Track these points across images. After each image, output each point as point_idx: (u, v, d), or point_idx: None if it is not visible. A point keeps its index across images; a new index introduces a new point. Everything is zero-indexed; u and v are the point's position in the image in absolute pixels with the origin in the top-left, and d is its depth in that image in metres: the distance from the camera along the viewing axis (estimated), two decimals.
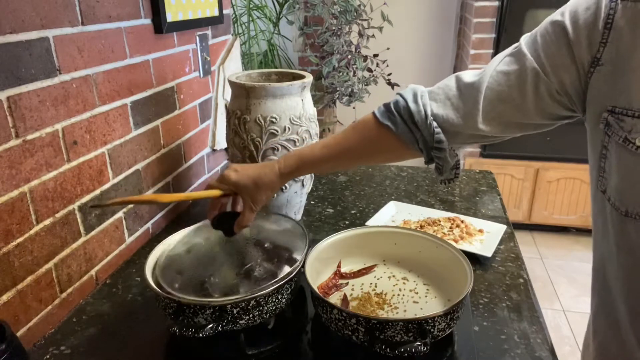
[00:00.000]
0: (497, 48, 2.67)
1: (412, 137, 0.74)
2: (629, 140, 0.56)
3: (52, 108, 0.84)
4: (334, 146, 0.80)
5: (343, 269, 0.95)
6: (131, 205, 1.09)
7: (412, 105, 0.73)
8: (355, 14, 2.31)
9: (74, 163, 0.90)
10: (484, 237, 1.12)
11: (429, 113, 0.72)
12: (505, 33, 2.62)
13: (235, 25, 2.65)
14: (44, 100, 0.82)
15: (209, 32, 1.38)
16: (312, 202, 1.34)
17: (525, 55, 0.65)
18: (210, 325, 0.71)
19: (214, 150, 1.48)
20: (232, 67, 1.53)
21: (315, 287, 0.79)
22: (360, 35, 2.37)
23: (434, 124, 0.72)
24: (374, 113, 0.78)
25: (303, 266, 0.83)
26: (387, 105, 0.77)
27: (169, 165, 1.24)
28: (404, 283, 0.92)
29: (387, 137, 0.76)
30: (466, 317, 0.84)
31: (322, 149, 0.80)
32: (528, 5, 2.56)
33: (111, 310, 0.92)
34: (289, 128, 1.04)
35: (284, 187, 1.09)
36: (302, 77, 1.10)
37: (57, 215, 0.87)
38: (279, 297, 0.78)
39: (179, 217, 1.28)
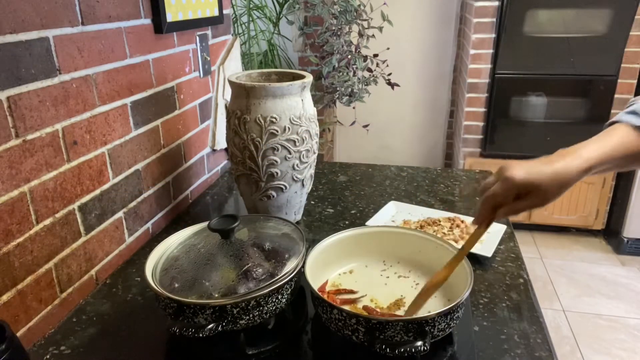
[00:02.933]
0: (497, 48, 2.67)
1: None
2: None
3: (52, 108, 0.84)
4: (615, 149, 0.73)
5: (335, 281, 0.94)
6: (131, 205, 1.09)
7: None
8: (355, 14, 2.31)
9: (74, 163, 0.90)
10: (484, 237, 1.12)
11: None
12: (505, 33, 2.62)
13: (235, 25, 2.65)
14: (44, 100, 0.82)
15: (209, 32, 1.38)
16: (312, 202, 1.34)
17: None
18: (210, 325, 0.71)
19: (214, 150, 1.49)
20: (232, 67, 1.53)
21: (315, 287, 0.79)
22: (360, 35, 2.37)
23: None
24: (619, 122, 0.75)
25: (303, 266, 0.83)
26: (632, 112, 0.75)
27: (169, 165, 1.24)
28: (404, 283, 0.92)
29: (636, 140, 0.73)
30: (466, 317, 0.84)
31: (604, 149, 0.73)
32: (528, 5, 2.56)
33: (111, 310, 0.92)
34: (289, 128, 1.04)
35: (284, 187, 1.09)
36: (302, 77, 1.10)
37: (57, 215, 0.87)
38: (279, 297, 0.78)
39: (179, 217, 1.28)
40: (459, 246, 1.00)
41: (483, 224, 0.76)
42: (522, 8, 2.57)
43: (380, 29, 2.32)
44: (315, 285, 0.80)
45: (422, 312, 0.83)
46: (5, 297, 0.78)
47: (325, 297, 0.80)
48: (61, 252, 0.89)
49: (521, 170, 0.70)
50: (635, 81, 2.64)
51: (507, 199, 0.72)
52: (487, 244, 1.08)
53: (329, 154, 3.28)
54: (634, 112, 0.74)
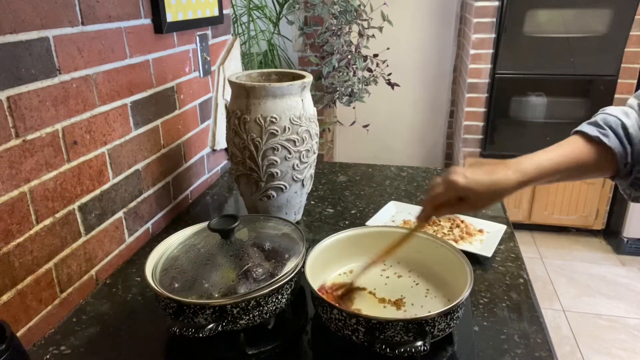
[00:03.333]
0: (497, 48, 2.67)
1: (623, 151, 0.74)
2: None
3: (52, 108, 0.84)
4: (563, 161, 0.75)
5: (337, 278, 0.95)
6: (131, 205, 1.09)
7: (625, 120, 0.74)
8: (355, 14, 2.31)
9: (74, 163, 0.90)
10: (484, 237, 1.12)
11: None
12: (505, 33, 2.62)
13: (235, 25, 2.65)
14: (44, 100, 0.82)
15: (209, 32, 1.38)
16: (312, 202, 1.34)
17: None
18: (210, 325, 0.71)
19: (214, 150, 1.49)
20: (232, 67, 1.53)
21: (315, 287, 0.79)
22: (360, 35, 2.37)
23: None
24: (579, 131, 0.77)
25: (303, 266, 0.83)
26: (593, 123, 0.77)
27: (169, 165, 1.24)
28: (404, 283, 0.92)
29: (593, 152, 0.75)
30: (466, 317, 0.84)
31: (551, 160, 0.75)
32: (528, 5, 2.56)
33: (111, 310, 0.92)
34: (289, 128, 1.04)
35: (284, 187, 1.09)
36: (302, 77, 1.10)
37: (57, 215, 0.87)
38: (279, 297, 0.79)
39: (179, 217, 1.28)
40: (459, 246, 1.01)
41: (424, 220, 0.83)
42: (522, 8, 2.57)
43: (380, 29, 2.32)
44: (316, 285, 0.80)
45: (422, 312, 0.83)
46: (5, 297, 0.78)
47: (324, 296, 0.81)
48: (61, 252, 0.89)
49: (463, 177, 0.75)
50: (635, 81, 2.64)
51: (448, 200, 0.78)
52: (487, 244, 1.08)
53: (329, 154, 3.28)
54: (594, 123, 0.76)
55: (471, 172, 0.75)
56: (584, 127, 0.77)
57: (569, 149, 0.76)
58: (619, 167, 0.75)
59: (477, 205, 0.77)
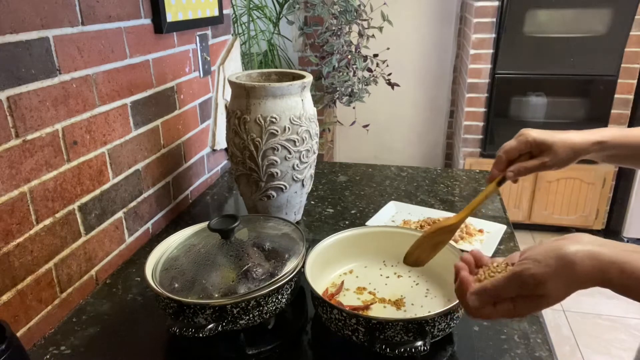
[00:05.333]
0: (497, 48, 2.67)
1: None
2: None
3: (52, 108, 0.84)
4: (632, 136, 0.75)
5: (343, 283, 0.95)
6: (131, 205, 1.09)
7: None
8: (355, 14, 2.31)
9: (74, 163, 0.90)
10: (484, 237, 1.12)
11: None
12: (505, 33, 2.62)
13: (235, 25, 2.65)
14: (44, 100, 0.82)
15: (209, 32, 1.38)
16: (312, 202, 1.34)
17: None
18: (210, 325, 0.71)
19: (214, 150, 1.49)
20: (232, 67, 1.53)
21: (315, 287, 0.79)
22: (360, 35, 2.37)
23: None
24: None
25: (303, 266, 0.83)
26: None
27: (169, 165, 1.24)
28: (404, 283, 0.92)
29: None
30: (466, 317, 0.84)
31: (629, 133, 0.75)
32: (528, 5, 2.56)
33: (111, 310, 0.92)
34: (289, 128, 1.04)
35: (284, 187, 1.09)
36: (302, 77, 1.10)
37: (57, 215, 0.87)
38: (279, 297, 0.79)
39: (179, 217, 1.28)
40: (459, 246, 1.01)
41: (495, 179, 0.77)
42: (522, 8, 2.57)
43: (380, 29, 2.32)
44: (316, 285, 0.80)
45: (422, 312, 0.83)
46: (5, 297, 0.78)
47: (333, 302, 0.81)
48: (61, 252, 0.89)
49: (536, 130, 0.73)
50: (635, 81, 2.64)
51: (521, 154, 0.74)
52: (487, 244, 1.08)
53: (329, 154, 3.28)
54: None
55: (544, 130, 0.73)
56: None
57: (638, 129, 0.75)
58: None
59: (555, 160, 0.73)
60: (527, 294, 0.56)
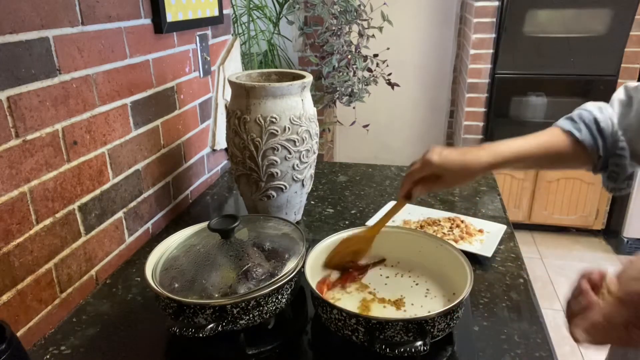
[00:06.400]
0: (497, 48, 2.67)
1: (594, 144, 0.78)
2: None
3: (52, 108, 0.84)
4: (538, 148, 0.80)
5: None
6: (131, 205, 1.09)
7: (598, 115, 0.79)
8: (355, 14, 2.31)
9: (74, 163, 0.90)
10: (484, 237, 1.12)
11: (615, 122, 0.78)
12: (505, 33, 2.62)
13: (235, 25, 2.65)
14: (44, 100, 0.82)
15: (209, 32, 1.38)
16: (312, 202, 1.34)
17: None
18: (210, 325, 0.71)
19: (214, 150, 1.48)
20: (232, 67, 1.53)
21: (315, 287, 0.79)
22: (360, 35, 2.37)
23: (620, 132, 0.77)
24: (556, 125, 0.82)
25: (303, 266, 0.83)
26: (569, 117, 0.82)
27: (169, 165, 1.24)
28: (404, 283, 0.92)
29: (567, 144, 0.80)
30: (466, 317, 0.84)
31: (527, 145, 0.80)
32: (528, 5, 2.56)
33: (111, 310, 0.92)
34: (289, 128, 1.04)
35: (284, 187, 1.09)
36: (302, 77, 1.10)
37: (57, 215, 0.87)
38: (279, 297, 0.78)
39: (179, 217, 1.28)
40: (459, 246, 1.01)
41: (404, 197, 0.86)
42: (522, 8, 2.57)
43: (380, 29, 2.32)
44: (316, 285, 0.80)
45: (422, 312, 0.83)
46: (5, 297, 0.78)
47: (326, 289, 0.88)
48: (61, 252, 0.89)
49: (437, 155, 0.80)
50: (635, 81, 2.64)
51: (424, 177, 0.82)
52: (487, 244, 1.08)
53: (329, 154, 3.28)
54: (570, 118, 0.82)
55: (447, 152, 0.80)
56: (560, 121, 0.82)
57: (545, 137, 0.81)
58: (593, 160, 0.80)
59: (450, 182, 0.82)
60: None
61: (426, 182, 0.83)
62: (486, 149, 0.80)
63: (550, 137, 0.80)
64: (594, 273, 0.60)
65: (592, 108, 0.80)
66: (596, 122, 0.78)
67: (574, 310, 0.60)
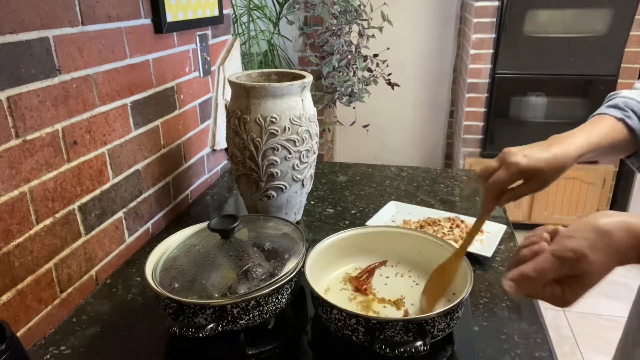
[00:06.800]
0: (497, 48, 2.67)
1: None
2: None
3: (52, 108, 0.84)
4: (603, 138, 0.77)
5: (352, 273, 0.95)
6: (131, 205, 1.09)
7: None
8: (355, 14, 2.31)
9: (74, 163, 0.90)
10: (484, 237, 1.12)
11: None
12: (505, 33, 2.62)
13: (235, 25, 2.65)
14: (44, 100, 0.82)
15: (209, 32, 1.38)
16: (312, 202, 1.34)
17: None
18: (210, 325, 0.71)
19: (214, 150, 1.49)
20: (232, 67, 1.53)
21: (315, 287, 0.79)
22: (360, 35, 2.37)
23: None
24: (604, 114, 0.79)
25: (303, 266, 0.83)
26: (614, 106, 0.79)
27: (169, 165, 1.24)
28: (404, 283, 0.92)
29: (623, 132, 0.78)
30: (466, 317, 0.84)
31: (597, 137, 0.77)
32: (528, 5, 2.56)
33: (111, 310, 0.92)
34: (289, 128, 1.04)
35: (284, 187, 1.09)
36: (302, 77, 1.10)
37: (57, 215, 0.87)
38: (279, 297, 0.78)
39: (179, 217, 1.28)
40: (459, 246, 1.00)
41: (487, 211, 0.76)
42: (522, 8, 2.57)
43: (380, 29, 2.32)
44: (316, 285, 0.80)
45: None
46: (5, 297, 0.78)
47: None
48: (61, 252, 0.89)
49: (524, 157, 0.71)
50: (635, 81, 2.64)
51: (511, 184, 0.73)
52: (487, 244, 1.08)
53: (329, 154, 3.28)
54: (615, 106, 0.79)
55: (529, 151, 0.72)
56: (608, 110, 0.79)
57: (605, 128, 0.77)
58: (637, 147, 0.78)
59: (542, 184, 0.73)
60: (571, 272, 0.55)
61: (514, 190, 0.73)
62: (566, 140, 0.74)
63: (609, 127, 0.77)
64: (549, 227, 0.62)
65: (635, 95, 0.79)
66: None
67: (518, 259, 0.61)
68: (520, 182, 0.73)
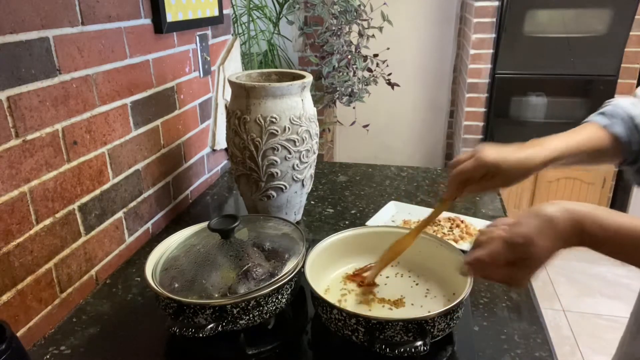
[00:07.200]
0: (497, 48, 2.67)
1: (629, 139, 0.78)
2: None
3: (52, 108, 0.84)
4: (583, 144, 0.79)
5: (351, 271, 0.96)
6: (131, 205, 1.09)
7: (632, 111, 0.78)
8: (355, 14, 2.31)
9: (74, 163, 0.90)
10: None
11: None
12: (505, 33, 2.62)
13: (235, 25, 2.65)
14: (44, 100, 0.82)
15: (209, 32, 1.38)
16: (312, 202, 1.34)
17: None
18: (210, 325, 0.71)
19: (214, 150, 1.49)
20: (232, 67, 1.53)
21: (315, 287, 0.79)
22: (360, 35, 2.37)
23: None
24: (591, 121, 0.82)
25: (303, 266, 0.83)
26: (602, 113, 0.81)
27: (169, 165, 1.24)
28: (404, 283, 0.92)
29: (605, 140, 0.79)
30: (466, 317, 0.84)
31: (574, 142, 0.79)
32: (528, 5, 2.56)
33: (111, 310, 0.92)
34: (289, 128, 1.04)
35: (284, 187, 1.09)
36: (302, 77, 1.10)
37: (57, 215, 0.87)
38: (279, 297, 0.79)
39: (179, 217, 1.28)
40: (459, 246, 1.00)
41: (449, 198, 0.82)
42: (522, 8, 2.57)
43: (380, 29, 2.32)
44: (316, 285, 0.80)
45: (422, 312, 0.83)
46: (5, 297, 0.78)
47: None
48: (61, 252, 0.89)
49: (492, 152, 0.75)
50: (635, 81, 2.64)
51: (475, 176, 0.77)
52: None
53: (329, 154, 3.28)
54: (602, 114, 0.81)
55: (501, 150, 0.76)
56: (595, 117, 0.81)
57: (586, 134, 0.79)
58: (625, 155, 0.79)
59: (506, 181, 0.77)
60: (520, 256, 0.62)
61: (478, 182, 0.78)
62: (540, 144, 0.78)
63: (591, 133, 0.79)
64: (508, 219, 0.67)
65: (625, 104, 0.80)
66: (631, 117, 0.78)
67: (476, 245, 0.68)
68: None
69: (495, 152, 0.75)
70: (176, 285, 0.78)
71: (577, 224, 0.61)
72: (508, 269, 0.63)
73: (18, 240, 0.79)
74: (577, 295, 2.49)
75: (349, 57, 2.37)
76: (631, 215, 0.62)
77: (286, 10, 2.69)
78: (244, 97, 1.04)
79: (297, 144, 1.06)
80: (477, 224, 1.17)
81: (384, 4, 2.31)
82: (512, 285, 0.65)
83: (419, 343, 0.68)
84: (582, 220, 0.61)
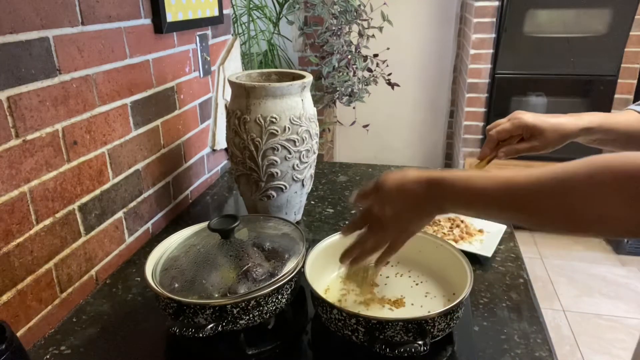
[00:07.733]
0: (497, 48, 2.67)
1: None
2: None
3: (52, 108, 0.84)
4: (620, 124, 0.81)
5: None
6: (131, 205, 1.09)
7: None
8: (355, 14, 2.31)
9: (74, 163, 0.90)
10: (484, 237, 1.12)
11: None
12: (505, 33, 2.62)
13: (235, 25, 2.65)
14: (44, 100, 0.82)
15: (209, 32, 1.38)
16: (312, 202, 1.34)
17: None
18: (210, 325, 0.71)
19: (214, 150, 1.49)
20: (232, 67, 1.53)
21: (315, 287, 0.79)
22: (360, 35, 2.37)
23: None
24: (630, 108, 0.83)
25: (303, 266, 0.83)
26: None
27: (169, 165, 1.24)
28: (404, 283, 0.92)
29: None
30: (466, 317, 0.84)
31: (613, 120, 0.80)
32: (528, 5, 2.56)
33: (111, 310, 0.92)
34: (289, 128, 1.04)
35: (284, 187, 1.09)
36: (302, 77, 1.10)
37: (57, 215, 0.87)
38: (279, 297, 0.79)
39: (179, 217, 1.28)
40: (459, 246, 1.01)
41: (486, 158, 0.84)
42: (522, 8, 2.57)
43: (380, 29, 2.32)
44: (316, 285, 0.80)
45: (422, 312, 0.83)
46: (5, 297, 0.78)
47: None
48: (61, 252, 0.89)
49: (531, 115, 0.78)
50: (635, 81, 2.64)
51: (514, 136, 0.79)
52: (487, 244, 1.08)
53: (329, 154, 3.28)
54: None
55: (537, 114, 0.78)
56: (634, 106, 0.83)
57: (624, 117, 0.81)
58: None
59: (544, 144, 0.78)
60: (379, 224, 0.69)
61: (511, 143, 0.79)
62: (579, 116, 0.79)
63: (629, 117, 0.81)
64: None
65: None
66: None
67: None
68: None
69: (534, 116, 0.77)
70: (176, 285, 0.78)
71: (425, 188, 0.64)
72: (375, 237, 0.70)
73: (18, 240, 0.79)
74: (577, 295, 2.49)
75: (349, 57, 2.37)
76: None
77: (286, 10, 2.69)
78: (244, 97, 1.04)
79: (297, 144, 1.06)
80: (477, 223, 1.17)
81: (384, 4, 2.31)
82: (388, 250, 0.71)
83: (419, 343, 0.68)
84: (436, 177, 0.63)
